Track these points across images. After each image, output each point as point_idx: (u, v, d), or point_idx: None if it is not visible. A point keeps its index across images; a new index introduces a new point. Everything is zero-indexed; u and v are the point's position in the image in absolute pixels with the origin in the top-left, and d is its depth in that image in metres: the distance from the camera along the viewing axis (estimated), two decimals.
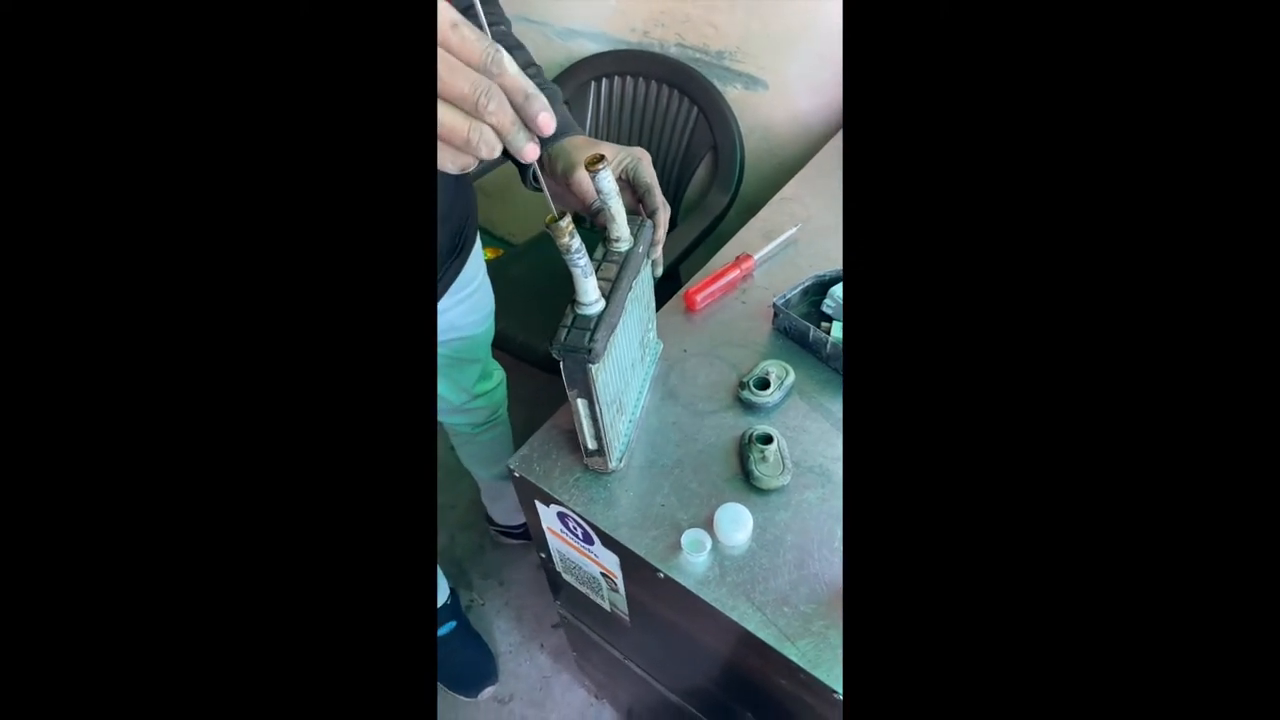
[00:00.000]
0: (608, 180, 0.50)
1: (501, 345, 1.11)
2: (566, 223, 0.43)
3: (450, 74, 0.32)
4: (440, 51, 0.32)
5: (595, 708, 1.14)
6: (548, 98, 0.62)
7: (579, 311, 0.49)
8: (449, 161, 0.35)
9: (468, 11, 0.37)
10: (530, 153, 0.37)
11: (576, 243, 0.45)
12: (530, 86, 0.36)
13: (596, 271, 0.52)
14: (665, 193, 1.47)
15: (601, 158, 0.48)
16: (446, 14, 0.31)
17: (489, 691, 1.14)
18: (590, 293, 0.48)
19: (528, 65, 0.62)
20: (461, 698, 1.14)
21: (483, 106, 0.34)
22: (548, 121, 0.37)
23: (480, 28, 0.35)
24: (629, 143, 1.30)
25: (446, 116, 0.33)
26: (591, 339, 0.47)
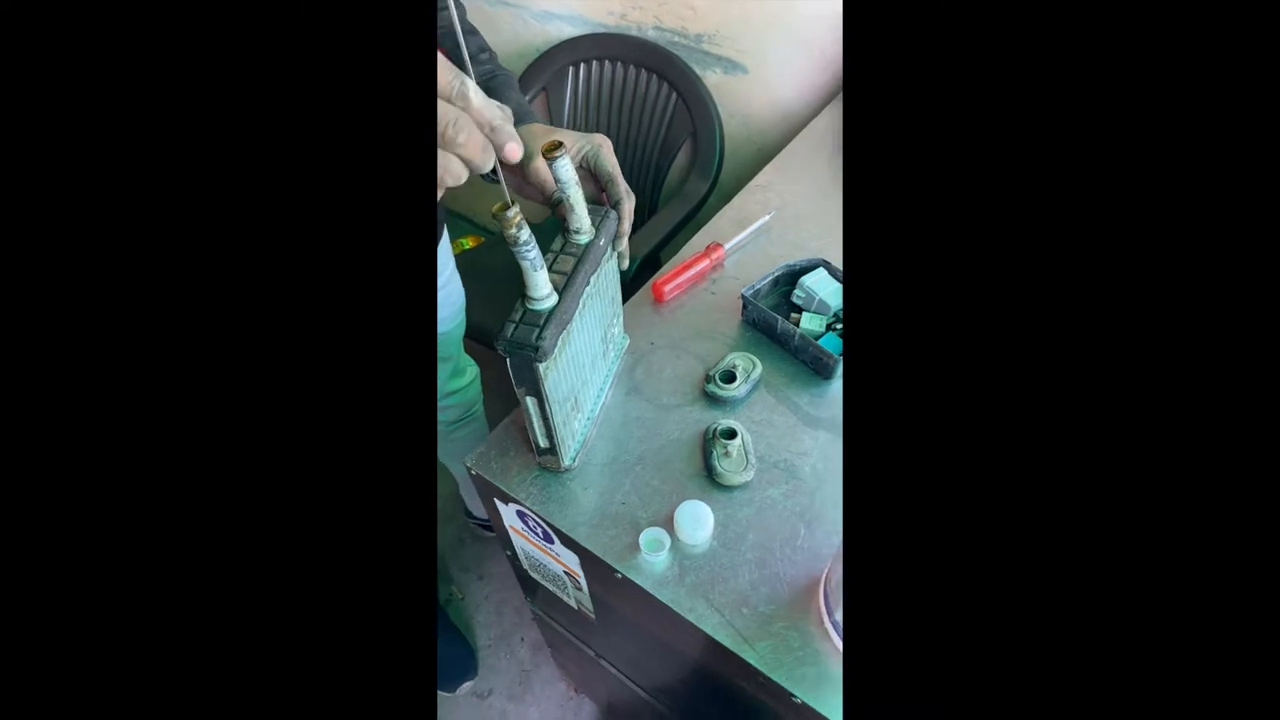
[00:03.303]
0: (566, 168, 0.48)
1: (478, 337, 1.09)
2: (514, 213, 0.42)
3: None
4: None
5: (575, 701, 1.13)
6: (500, 83, 0.60)
7: (529, 306, 0.47)
8: None
9: (449, 44, 0.39)
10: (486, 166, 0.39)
11: (525, 234, 0.43)
12: (496, 117, 0.37)
13: (552, 265, 0.51)
14: (645, 179, 1.44)
15: (559, 145, 0.46)
16: None
17: (468, 686, 1.13)
18: (541, 287, 0.46)
19: (480, 51, 0.60)
20: (441, 693, 1.13)
21: (451, 138, 0.35)
22: (515, 151, 0.39)
23: (462, 62, 0.36)
24: (608, 128, 1.27)
25: None
26: (540, 336, 0.45)
